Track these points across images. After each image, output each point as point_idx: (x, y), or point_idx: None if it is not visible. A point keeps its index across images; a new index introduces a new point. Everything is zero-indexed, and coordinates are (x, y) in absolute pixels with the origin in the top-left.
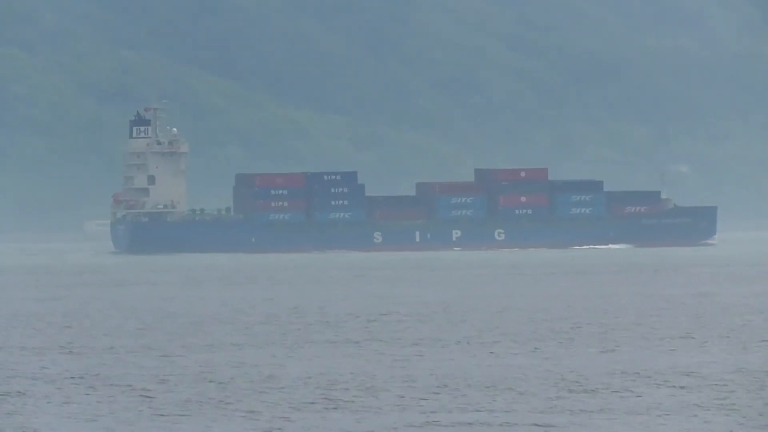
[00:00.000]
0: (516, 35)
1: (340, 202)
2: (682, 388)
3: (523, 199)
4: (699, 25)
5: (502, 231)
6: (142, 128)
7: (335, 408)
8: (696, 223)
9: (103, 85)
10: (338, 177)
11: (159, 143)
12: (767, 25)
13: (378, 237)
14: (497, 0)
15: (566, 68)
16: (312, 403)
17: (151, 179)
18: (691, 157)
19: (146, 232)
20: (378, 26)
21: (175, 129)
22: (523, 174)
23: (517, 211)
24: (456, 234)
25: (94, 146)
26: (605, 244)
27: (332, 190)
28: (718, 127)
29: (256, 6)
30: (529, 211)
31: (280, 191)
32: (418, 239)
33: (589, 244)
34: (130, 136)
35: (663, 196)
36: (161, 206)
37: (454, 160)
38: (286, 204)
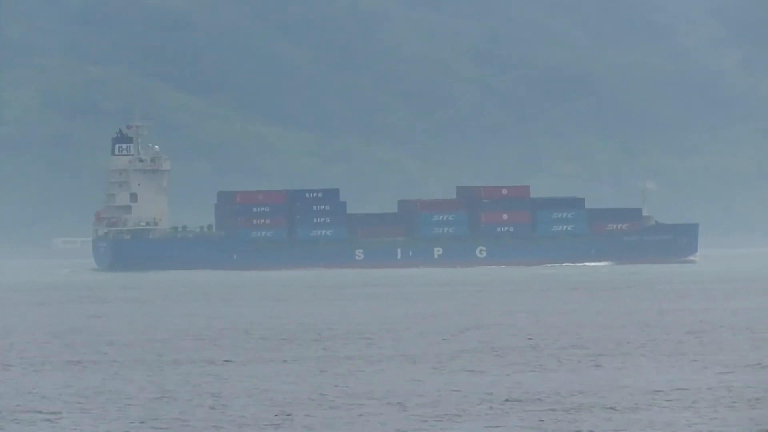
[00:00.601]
0: (483, 50)
1: (322, 219)
2: (620, 405)
3: (504, 216)
4: (666, 40)
5: (483, 248)
6: (124, 146)
7: (279, 425)
8: (677, 240)
9: (69, 101)
10: (320, 194)
11: (141, 161)
12: (734, 40)
13: (360, 254)
14: (464, 15)
15: (533, 83)
16: (257, 420)
17: (134, 197)
18: (658, 173)
19: (128, 249)
20: (345, 41)
21: (157, 146)
22: (504, 191)
23: (498, 229)
24: (438, 251)
25: (60, 162)
26: (587, 262)
27: (314, 207)
28: (686, 142)
29: (224, 22)
30: (511, 229)
31: (262, 208)
32: (399, 256)
33: (570, 262)
34: (112, 154)
35: (644, 213)
36: (143, 223)
37: (421, 174)
38: (267, 221)
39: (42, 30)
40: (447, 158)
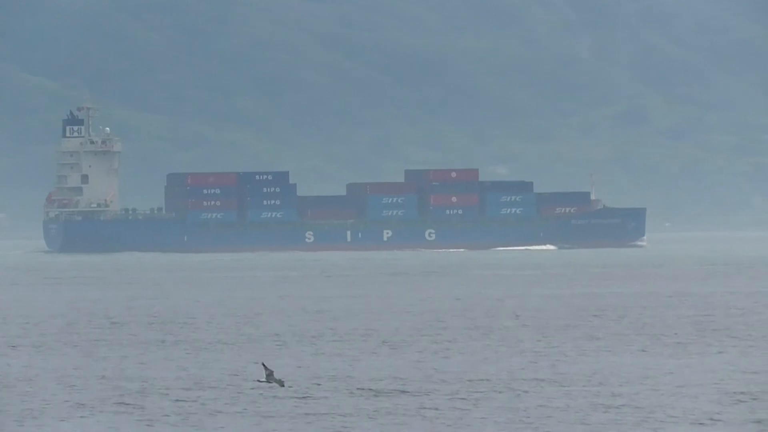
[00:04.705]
0: (335, 34)
1: (272, 201)
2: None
3: (453, 199)
4: (518, 24)
5: (432, 231)
6: (75, 128)
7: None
8: (625, 224)
9: None
10: (270, 177)
11: (92, 142)
12: (585, 26)
13: (310, 236)
14: None
15: (385, 67)
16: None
17: (85, 178)
18: (509, 158)
19: (79, 231)
20: (196, 25)
21: (108, 128)
22: (453, 174)
23: (447, 211)
24: (387, 234)
25: None
26: (535, 245)
27: (264, 189)
28: (537, 128)
29: (74, 3)
30: (460, 212)
31: (213, 190)
32: (349, 239)
33: (519, 245)
34: (63, 135)
35: (593, 197)
36: (94, 205)
37: (273, 158)
38: (218, 203)
39: None
40: (297, 142)
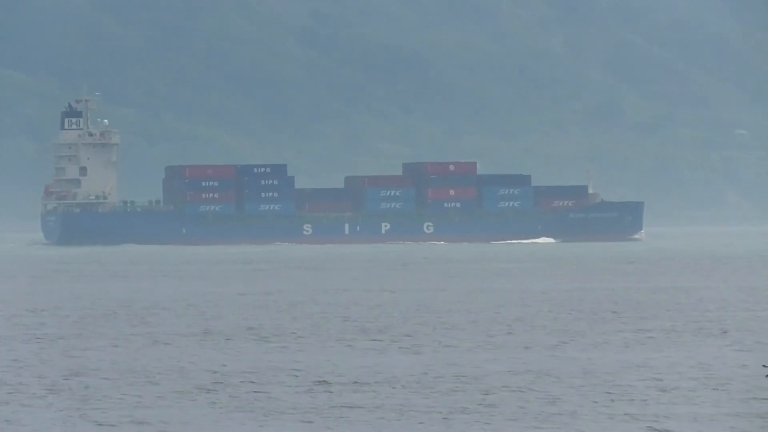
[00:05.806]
0: (308, 29)
1: (270, 194)
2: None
3: (451, 192)
4: (491, 20)
5: (430, 224)
6: (74, 119)
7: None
8: (622, 218)
9: None
10: (268, 169)
11: (91, 134)
12: (558, 21)
13: (308, 229)
14: None
15: (358, 63)
16: None
17: (83, 170)
18: (482, 154)
19: (78, 223)
20: (170, 20)
21: (106, 120)
22: (451, 167)
23: (445, 204)
24: (385, 227)
25: None
26: (533, 238)
27: (262, 182)
28: (511, 123)
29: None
30: (458, 205)
31: (211, 183)
32: (347, 231)
33: (517, 238)
34: (62, 128)
35: (590, 190)
36: (93, 197)
37: (248, 154)
38: (216, 196)
39: None
40: (272, 138)
